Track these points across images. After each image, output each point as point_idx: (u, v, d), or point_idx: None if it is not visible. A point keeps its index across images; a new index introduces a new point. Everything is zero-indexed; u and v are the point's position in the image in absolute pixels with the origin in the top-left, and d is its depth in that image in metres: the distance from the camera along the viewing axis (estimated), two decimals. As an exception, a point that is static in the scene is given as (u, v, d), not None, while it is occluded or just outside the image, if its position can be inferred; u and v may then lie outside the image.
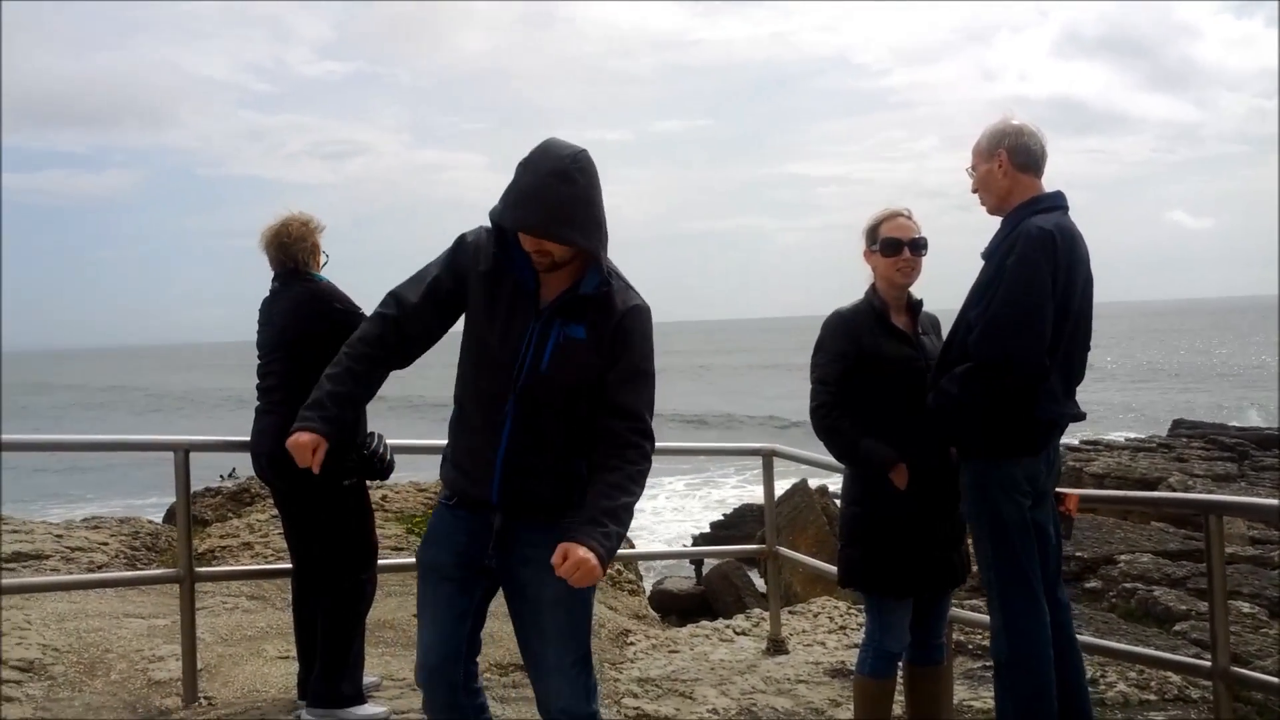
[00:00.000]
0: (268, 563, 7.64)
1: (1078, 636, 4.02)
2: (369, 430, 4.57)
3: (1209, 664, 4.20)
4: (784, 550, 6.70)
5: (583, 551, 2.70)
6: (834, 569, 4.30)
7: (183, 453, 4.91)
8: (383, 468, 4.62)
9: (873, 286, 4.06)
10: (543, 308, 2.96)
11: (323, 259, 4.74)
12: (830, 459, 4.27)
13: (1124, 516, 11.05)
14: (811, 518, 13.53)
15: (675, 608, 13.44)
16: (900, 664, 4.17)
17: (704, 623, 7.07)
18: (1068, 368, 3.70)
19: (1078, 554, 9.16)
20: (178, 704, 4.90)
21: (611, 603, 7.98)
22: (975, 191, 3.86)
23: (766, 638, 6.23)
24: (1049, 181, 3.79)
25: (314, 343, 4.46)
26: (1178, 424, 30.06)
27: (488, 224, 3.01)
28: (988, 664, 5.05)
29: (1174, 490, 14.62)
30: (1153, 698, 5.21)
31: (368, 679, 4.83)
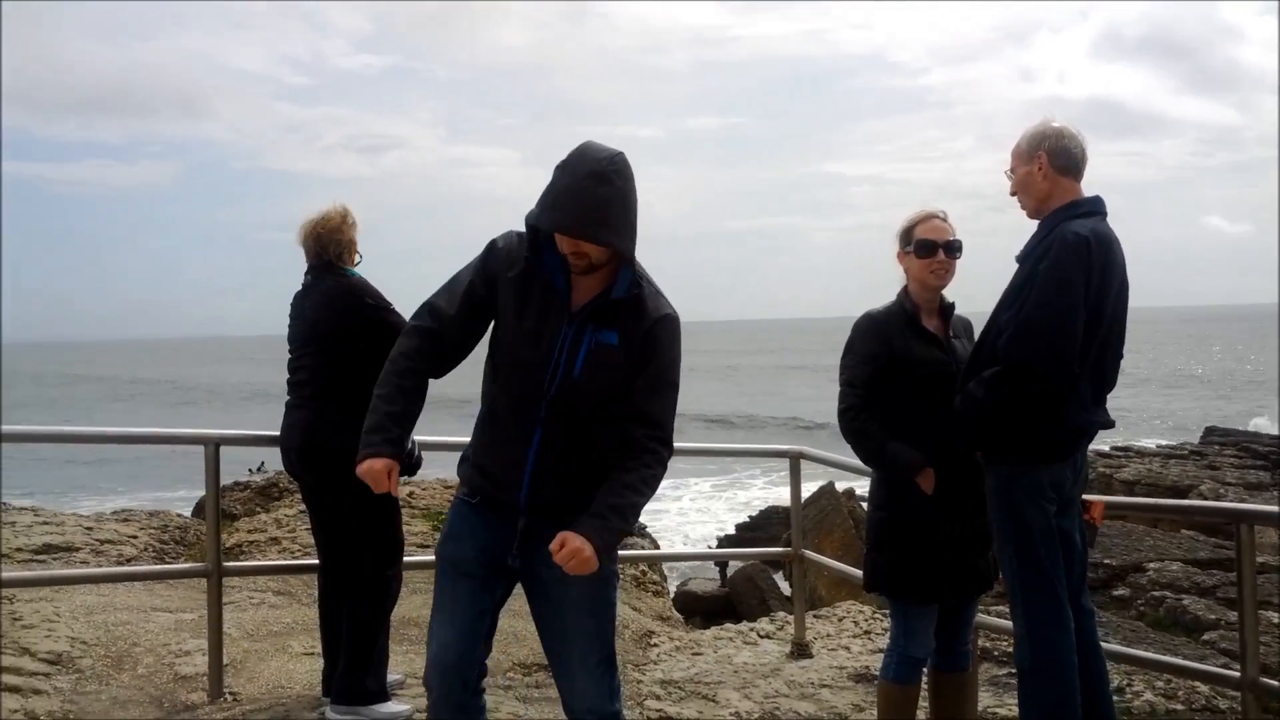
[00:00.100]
0: (295, 558, 7.68)
1: (1104, 644, 3.99)
2: None
3: (1238, 674, 4.17)
4: (810, 553, 6.68)
5: (579, 541, 2.76)
6: (859, 573, 4.29)
7: (213, 447, 4.93)
8: (410, 464, 4.62)
9: (905, 289, 4.04)
10: (575, 312, 2.97)
11: (357, 258, 4.74)
12: (858, 462, 4.25)
13: (1154, 524, 10.96)
14: (838, 521, 13.50)
15: (699, 610, 13.44)
16: (925, 670, 4.15)
17: (728, 625, 7.05)
18: (1099, 374, 3.67)
19: (1106, 561, 9.10)
20: (203, 699, 4.92)
21: (635, 604, 7.97)
22: (1014, 194, 3.83)
23: (791, 641, 6.22)
24: (1086, 184, 3.76)
25: (346, 337, 4.48)
26: (1210, 431, 29.79)
27: (517, 223, 3.03)
28: (1013, 671, 5.02)
29: (1205, 498, 14.49)
30: (1180, 707, 5.16)
31: (392, 676, 4.85)
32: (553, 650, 3.14)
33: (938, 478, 3.84)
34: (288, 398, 4.72)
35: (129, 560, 7.96)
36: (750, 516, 23.19)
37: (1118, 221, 3.74)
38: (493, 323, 3.08)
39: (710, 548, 19.97)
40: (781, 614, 7.37)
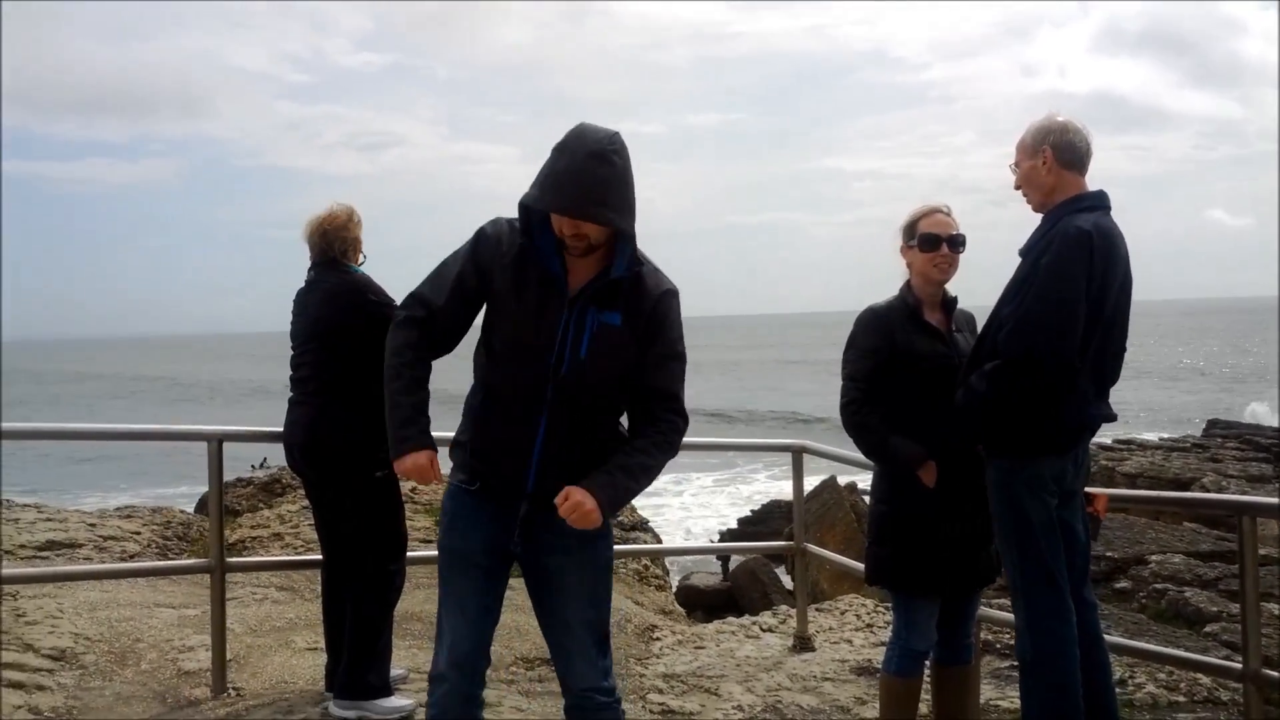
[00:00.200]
0: (298, 553, 7.70)
1: (1106, 636, 3.99)
2: None
3: (1240, 666, 4.17)
4: (812, 547, 6.68)
5: (580, 494, 2.81)
6: (862, 566, 4.29)
7: (216, 443, 4.94)
8: None
9: (907, 283, 4.04)
10: (574, 295, 2.97)
11: (361, 258, 4.76)
12: (860, 456, 4.26)
13: (1156, 517, 10.96)
14: (840, 515, 13.50)
15: (701, 604, 13.43)
16: (927, 663, 4.16)
17: (730, 619, 7.07)
18: (1100, 368, 3.67)
19: (1108, 554, 9.10)
20: (206, 694, 4.93)
21: (638, 598, 7.99)
22: (1019, 188, 3.83)
23: (793, 635, 6.23)
24: (1089, 178, 3.76)
25: (348, 334, 4.49)
26: (1212, 424, 29.76)
27: (511, 215, 3.02)
28: (1014, 663, 5.02)
29: (1207, 491, 14.47)
30: (1182, 699, 5.17)
31: (395, 671, 4.85)
32: (553, 635, 3.16)
33: (939, 471, 3.85)
34: (290, 394, 4.73)
35: (132, 556, 7.98)
36: (752, 511, 23.17)
37: (1120, 215, 3.74)
38: (486, 308, 3.07)
39: (712, 542, 19.99)
40: (784, 608, 7.38)
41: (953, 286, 4.06)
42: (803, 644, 6.10)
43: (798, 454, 6.30)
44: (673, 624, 7.15)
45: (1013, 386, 3.55)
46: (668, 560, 11.48)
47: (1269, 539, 9.91)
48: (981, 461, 3.78)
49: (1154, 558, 9.10)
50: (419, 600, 6.25)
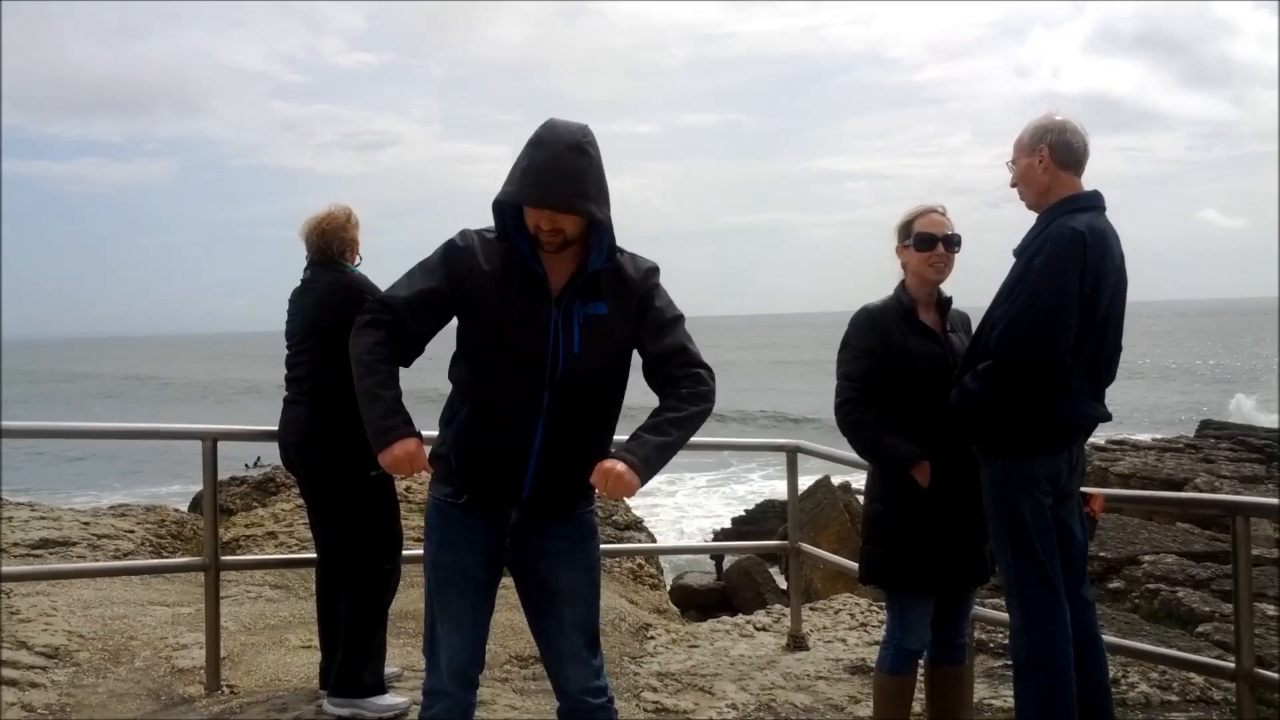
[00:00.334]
0: (292, 552, 7.70)
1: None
2: None
3: (1233, 665, 4.19)
4: (806, 546, 6.69)
5: (609, 464, 2.76)
6: (855, 566, 4.30)
7: (210, 442, 4.94)
8: None
9: (902, 283, 4.05)
10: (557, 294, 2.96)
11: (358, 259, 4.76)
12: (854, 455, 4.26)
13: (1149, 517, 10.98)
14: (834, 515, 13.51)
15: (695, 603, 13.44)
16: (921, 662, 4.16)
17: (724, 618, 7.08)
18: (1094, 368, 3.67)
19: (1101, 554, 9.12)
20: (200, 692, 4.93)
21: (632, 597, 7.99)
22: (1014, 185, 3.84)
23: (787, 634, 6.24)
24: (1084, 179, 3.77)
25: (345, 334, 4.48)
26: (1205, 424, 29.81)
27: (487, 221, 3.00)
28: (1008, 663, 5.03)
29: (1200, 491, 14.50)
30: (1174, 698, 5.18)
31: (389, 669, 4.86)
32: (546, 637, 3.15)
33: (934, 471, 3.85)
34: (285, 393, 4.73)
35: (126, 555, 7.96)
36: (746, 510, 23.19)
37: (1113, 216, 3.75)
38: (462, 321, 3.03)
39: (706, 541, 20.00)
40: (778, 607, 7.40)
41: (947, 287, 4.07)
42: (797, 643, 6.11)
43: (792, 454, 6.31)
44: (667, 623, 7.16)
45: (1005, 387, 3.56)
46: (662, 559, 11.48)
47: (1261, 539, 9.94)
48: (976, 461, 3.79)
49: (1147, 558, 9.13)
50: (413, 599, 6.24)
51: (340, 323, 4.52)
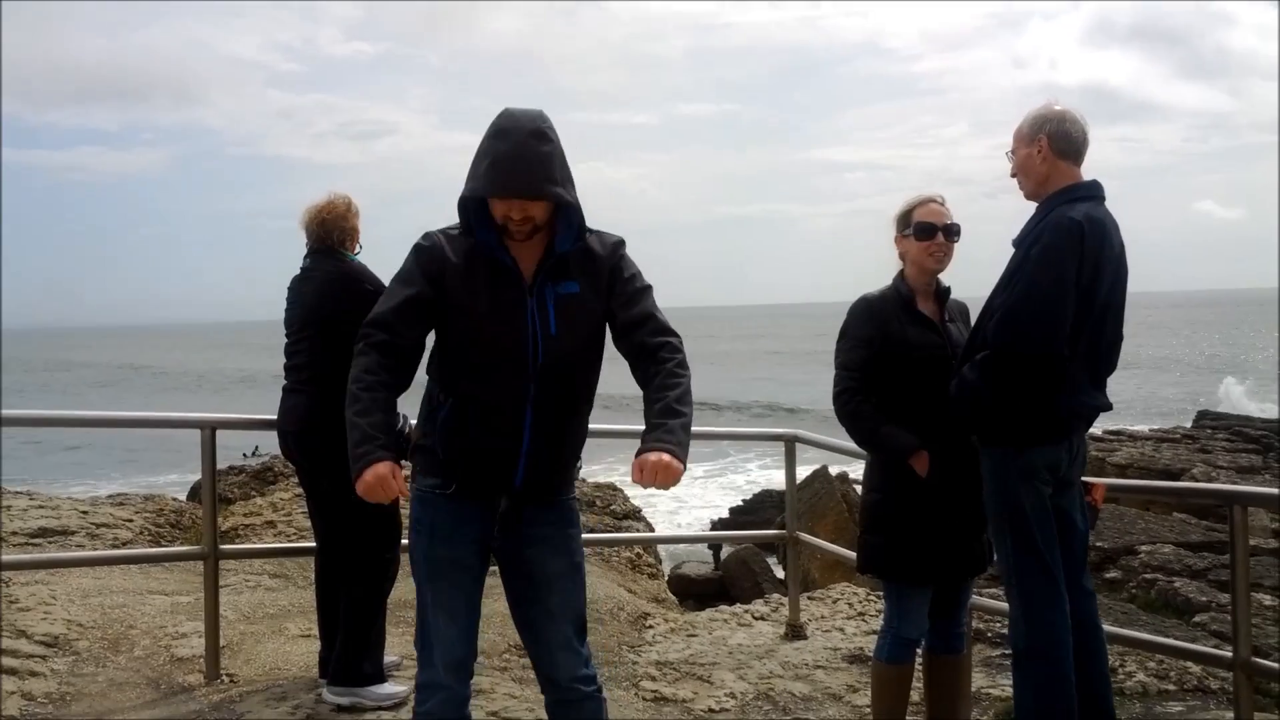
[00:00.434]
0: (290, 541, 7.71)
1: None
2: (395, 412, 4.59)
3: (1229, 654, 4.20)
4: (804, 536, 6.70)
5: (654, 457, 2.73)
6: (853, 555, 4.31)
7: (209, 431, 4.94)
8: (408, 448, 4.63)
9: (900, 273, 4.05)
10: (530, 281, 2.97)
11: (358, 248, 4.76)
12: (852, 445, 4.27)
13: (1146, 507, 11.00)
14: (831, 505, 13.52)
15: (693, 593, 13.46)
16: (919, 651, 4.17)
17: (722, 607, 7.09)
18: (1094, 358, 3.68)
19: (1098, 544, 9.13)
20: (200, 681, 4.94)
21: (630, 586, 8.00)
22: (1014, 175, 3.84)
23: (785, 623, 6.25)
24: (1083, 169, 3.77)
25: (344, 322, 4.48)
26: (1202, 415, 29.86)
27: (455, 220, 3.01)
28: (1006, 652, 5.04)
29: (1197, 481, 14.52)
30: (1172, 688, 5.19)
31: (388, 658, 4.87)
32: (533, 626, 3.15)
33: (932, 461, 3.86)
34: (284, 382, 4.73)
35: (125, 544, 7.97)
36: (744, 500, 23.22)
37: (1111, 207, 3.75)
38: (441, 318, 3.02)
39: (704, 531, 20.02)
40: (775, 596, 7.41)
41: (945, 278, 4.08)
42: (795, 632, 6.12)
43: (790, 443, 6.31)
44: (665, 612, 7.17)
45: (1003, 376, 3.56)
46: (660, 549, 11.50)
47: (1258, 529, 9.97)
48: (973, 451, 3.80)
49: (1144, 548, 9.14)
50: (412, 588, 6.23)
51: (340, 311, 4.53)
